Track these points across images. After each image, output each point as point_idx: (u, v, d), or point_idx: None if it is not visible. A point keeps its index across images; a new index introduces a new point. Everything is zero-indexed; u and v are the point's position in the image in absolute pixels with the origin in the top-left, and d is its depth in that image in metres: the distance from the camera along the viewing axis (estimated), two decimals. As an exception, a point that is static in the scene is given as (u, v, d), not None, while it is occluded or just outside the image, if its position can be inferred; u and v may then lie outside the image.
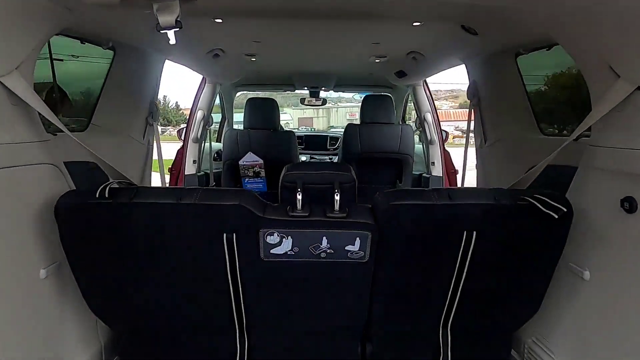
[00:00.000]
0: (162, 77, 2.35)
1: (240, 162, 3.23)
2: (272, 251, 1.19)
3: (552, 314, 1.42)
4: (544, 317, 1.44)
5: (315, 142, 4.77)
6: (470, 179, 2.52)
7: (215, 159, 3.81)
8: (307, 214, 1.16)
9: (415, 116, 3.83)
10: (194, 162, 3.51)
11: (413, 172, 3.50)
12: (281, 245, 1.18)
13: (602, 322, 1.26)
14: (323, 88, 4.30)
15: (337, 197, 1.16)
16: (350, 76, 3.82)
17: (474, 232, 1.19)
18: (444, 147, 3.57)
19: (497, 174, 2.21)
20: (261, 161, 3.27)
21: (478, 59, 2.16)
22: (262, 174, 3.32)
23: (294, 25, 2.06)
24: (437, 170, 3.52)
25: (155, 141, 2.36)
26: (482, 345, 1.43)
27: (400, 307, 1.35)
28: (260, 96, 4.25)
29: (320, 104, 4.73)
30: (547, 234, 1.22)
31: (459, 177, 3.64)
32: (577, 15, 1.11)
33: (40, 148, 1.21)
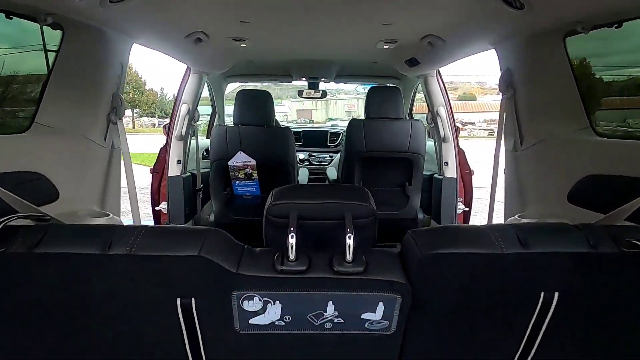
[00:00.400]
0: (128, 64, 1.94)
1: (230, 163, 2.84)
2: (251, 321, 0.79)
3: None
4: None
5: (314, 138, 4.38)
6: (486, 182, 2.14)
7: (204, 157, 3.43)
8: (304, 268, 0.76)
9: (427, 110, 3.44)
10: (179, 162, 3.12)
11: (423, 173, 3.11)
12: (265, 312, 0.79)
13: None
14: (323, 79, 3.88)
15: (349, 242, 0.76)
16: (353, 65, 3.40)
17: (556, 294, 0.80)
18: (458, 145, 3.17)
19: (535, 185, 1.82)
20: (253, 162, 2.88)
21: (514, 41, 1.76)
22: (255, 175, 2.94)
23: (289, 2, 1.67)
24: (451, 171, 3.14)
25: (122, 143, 1.95)
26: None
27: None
28: (252, 88, 3.84)
29: (319, 96, 4.32)
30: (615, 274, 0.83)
31: (474, 177, 3.27)
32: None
33: None
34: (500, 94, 1.91)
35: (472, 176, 3.23)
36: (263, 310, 0.79)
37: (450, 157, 3.12)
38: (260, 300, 0.78)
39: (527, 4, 1.36)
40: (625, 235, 0.82)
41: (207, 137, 3.95)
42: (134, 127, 43.73)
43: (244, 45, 2.52)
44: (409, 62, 2.82)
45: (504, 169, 2.08)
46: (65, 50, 1.59)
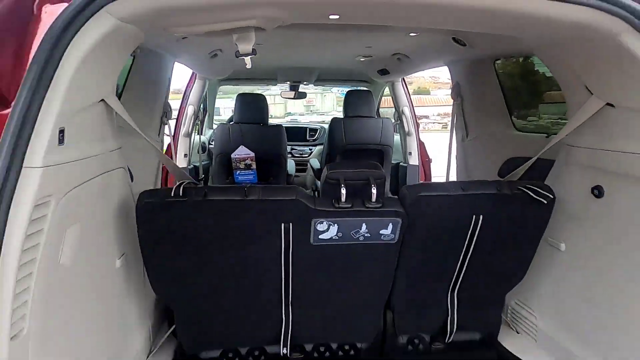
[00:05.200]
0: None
1: (233, 155, 3.40)
2: (320, 237, 1.43)
3: (533, 280, 1.76)
4: (525, 283, 1.78)
5: (295, 133, 4.97)
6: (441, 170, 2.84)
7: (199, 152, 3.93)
8: (350, 205, 1.40)
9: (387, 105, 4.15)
10: (185, 155, 3.63)
11: (392, 161, 3.82)
12: (328, 231, 1.42)
13: (574, 282, 1.61)
14: (304, 82, 4.49)
15: (373, 191, 1.41)
16: (332, 72, 4.04)
17: (481, 216, 1.49)
18: (419, 138, 3.90)
19: (477, 165, 2.55)
20: (252, 154, 3.45)
21: (461, 63, 2.47)
22: (253, 166, 3.50)
23: (296, 32, 2.25)
24: (414, 160, 3.85)
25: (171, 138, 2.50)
26: (479, 307, 1.75)
27: (419, 280, 1.64)
28: (246, 91, 4.37)
29: (294, 97, 4.90)
30: (535, 216, 1.54)
31: (432, 165, 4.02)
32: (559, 45, 1.42)
33: (118, 154, 1.36)
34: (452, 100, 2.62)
35: (431, 163, 3.97)
36: (327, 230, 1.41)
37: (413, 148, 3.84)
38: (326, 223, 1.40)
39: (468, 43, 2.05)
40: (516, 185, 1.53)
41: (197, 134, 4.45)
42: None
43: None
44: (381, 71, 3.50)
45: (455, 155, 2.80)
46: (134, 70, 2.12)
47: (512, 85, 2.44)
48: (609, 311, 1.45)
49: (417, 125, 3.88)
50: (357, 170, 1.47)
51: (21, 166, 0.85)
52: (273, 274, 1.50)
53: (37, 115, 0.87)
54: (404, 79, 3.79)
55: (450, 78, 2.70)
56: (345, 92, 4.05)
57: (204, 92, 3.75)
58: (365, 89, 4.02)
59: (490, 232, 1.53)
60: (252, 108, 3.52)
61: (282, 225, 1.39)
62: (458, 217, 1.50)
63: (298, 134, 5.01)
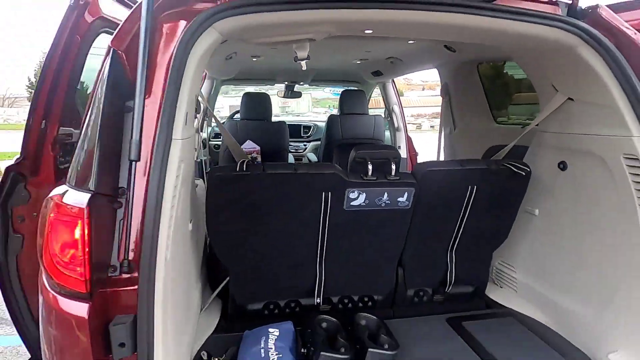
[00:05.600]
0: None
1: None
2: (351, 203, 1.80)
3: (513, 241, 2.19)
4: (507, 245, 2.21)
5: (291, 131, 5.33)
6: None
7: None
8: (375, 178, 1.78)
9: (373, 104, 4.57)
10: (195, 149, 3.93)
11: None
12: (358, 199, 1.80)
13: (546, 240, 2.04)
14: (301, 83, 4.85)
15: (393, 167, 1.80)
16: (327, 73, 4.43)
17: (475, 187, 1.90)
18: (407, 133, 4.33)
19: (463, 153, 2.98)
20: (258, 148, 3.78)
21: (449, 66, 2.90)
22: (259, 159, 3.84)
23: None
24: (403, 153, 4.28)
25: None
26: (472, 264, 2.16)
27: (425, 241, 2.04)
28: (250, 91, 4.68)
29: (289, 96, 5.25)
30: (515, 187, 1.97)
31: (419, 158, 4.45)
32: (533, 54, 1.84)
33: (194, 137, 1.70)
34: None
35: (417, 157, 4.40)
36: (357, 197, 1.78)
37: (402, 142, 4.27)
38: (357, 192, 1.77)
39: (457, 49, 2.47)
40: (501, 162, 1.95)
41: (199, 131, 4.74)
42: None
43: (256, 59, 3.42)
44: (374, 73, 3.91)
45: (443, 146, 3.23)
46: None
47: (491, 86, 2.88)
48: (573, 259, 1.88)
49: (405, 122, 4.32)
50: (379, 151, 1.85)
51: (171, 138, 1.18)
52: (312, 235, 1.86)
53: (177, 102, 1.20)
54: (393, 80, 4.21)
55: (440, 82, 3.13)
56: (337, 92, 4.43)
57: (212, 91, 4.07)
58: (359, 89, 4.42)
59: (481, 200, 1.94)
60: (258, 106, 3.87)
61: (323, 193, 1.76)
62: (457, 188, 1.91)
63: (293, 131, 5.37)
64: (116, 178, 1.15)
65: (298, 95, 5.17)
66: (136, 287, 1.11)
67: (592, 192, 1.74)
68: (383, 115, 4.41)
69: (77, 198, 1.05)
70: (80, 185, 1.11)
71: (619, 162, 1.55)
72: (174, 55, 1.22)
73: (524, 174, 1.88)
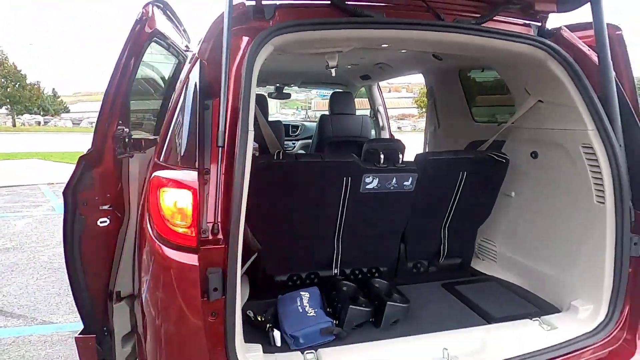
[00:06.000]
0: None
1: None
2: (366, 187, 2.17)
3: (493, 220, 2.62)
4: (488, 224, 2.64)
5: None
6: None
7: None
8: (386, 165, 2.15)
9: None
10: None
11: None
12: (372, 183, 2.16)
13: (521, 217, 2.48)
14: (291, 85, 5.19)
15: (400, 156, 2.18)
16: (318, 75, 4.79)
17: (465, 172, 2.31)
18: (391, 132, 4.76)
19: (447, 147, 3.41)
20: (257, 145, 4.09)
21: (434, 72, 3.32)
22: (256, 154, 4.15)
23: None
24: None
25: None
26: (460, 239, 2.58)
27: (423, 218, 2.43)
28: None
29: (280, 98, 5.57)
30: (496, 173, 2.39)
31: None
32: (510, 64, 2.27)
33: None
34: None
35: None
36: (371, 182, 2.14)
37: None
38: (371, 177, 2.13)
39: (443, 58, 2.88)
40: (485, 153, 2.37)
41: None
42: (14, 126, 38.68)
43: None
44: (363, 77, 4.30)
45: (427, 143, 3.66)
46: None
47: (470, 89, 3.33)
48: (543, 232, 2.32)
49: (389, 121, 4.74)
50: (388, 143, 2.23)
51: (248, 129, 1.50)
52: (333, 214, 2.21)
53: (250, 101, 1.52)
54: (378, 83, 4.62)
55: (425, 86, 3.55)
56: (323, 94, 4.79)
57: None
58: (347, 91, 4.81)
59: (469, 184, 2.36)
60: (257, 106, 4.17)
61: (344, 178, 2.11)
62: (451, 173, 2.31)
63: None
64: (206, 160, 1.45)
65: (287, 96, 5.50)
66: (222, 246, 1.42)
67: (558, 175, 2.18)
68: (369, 115, 4.81)
69: (187, 175, 1.35)
70: (184, 166, 1.41)
71: (578, 150, 1.99)
72: (244, 63, 1.54)
73: (504, 161, 2.31)
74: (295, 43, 1.71)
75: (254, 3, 1.67)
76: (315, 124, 5.13)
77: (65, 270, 2.02)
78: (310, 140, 5.28)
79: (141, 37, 1.91)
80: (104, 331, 2.17)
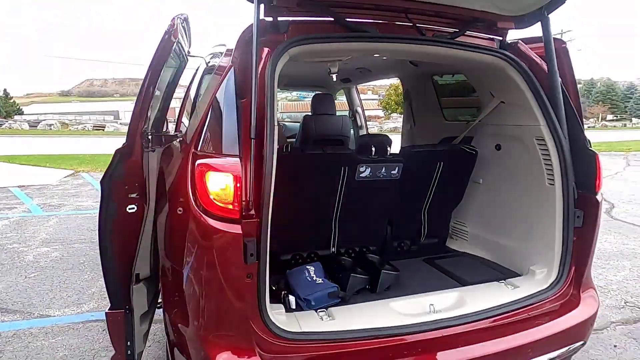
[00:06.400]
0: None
1: None
2: (360, 175, 2.53)
3: (464, 204, 3.05)
4: (461, 208, 3.07)
5: None
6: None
7: None
8: (377, 157, 2.52)
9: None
10: None
11: None
12: (365, 172, 2.53)
13: (487, 200, 2.92)
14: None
15: (389, 148, 2.55)
16: (300, 78, 5.12)
17: (442, 163, 2.72)
18: (368, 131, 5.17)
19: (421, 143, 3.84)
20: None
21: (410, 76, 3.74)
22: None
23: None
24: None
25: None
26: (437, 221, 2.99)
27: (407, 202, 2.82)
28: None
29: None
30: (467, 163, 2.82)
31: None
32: (477, 71, 2.70)
33: None
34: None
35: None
36: (365, 171, 2.50)
37: None
38: (365, 167, 2.49)
39: (418, 64, 3.30)
40: (458, 146, 2.79)
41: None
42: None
43: None
44: (343, 80, 4.68)
45: (403, 140, 4.08)
46: None
47: (442, 92, 3.77)
48: (506, 212, 2.77)
49: (366, 121, 5.15)
50: (379, 137, 2.60)
51: (274, 124, 1.81)
52: (332, 199, 2.56)
53: (274, 100, 1.83)
54: (356, 85, 5.02)
55: (402, 89, 3.96)
56: (302, 95, 5.13)
57: None
58: (328, 93, 5.17)
59: (445, 172, 2.77)
60: None
61: (342, 168, 2.47)
62: (430, 164, 2.72)
63: None
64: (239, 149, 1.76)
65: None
66: (255, 220, 1.73)
67: (517, 163, 2.63)
68: (348, 116, 5.20)
69: (230, 162, 1.67)
70: (226, 154, 1.72)
71: (533, 142, 2.43)
72: (267, 70, 1.85)
73: (474, 153, 2.74)
74: (306, 53, 2.05)
75: (271, 19, 1.99)
76: (295, 124, 5.45)
77: (99, 256, 2.26)
78: (293, 140, 5.61)
79: (168, 47, 2.19)
80: (126, 309, 2.42)
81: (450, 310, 2.11)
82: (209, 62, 3.18)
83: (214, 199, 1.66)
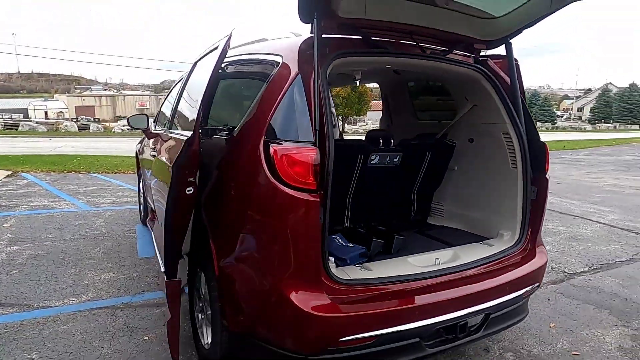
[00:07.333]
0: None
1: None
2: (371, 162, 3.13)
3: (442, 187, 3.78)
4: (439, 191, 3.79)
5: None
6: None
7: None
8: (384, 147, 3.14)
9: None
10: None
11: None
12: (375, 159, 3.13)
13: (461, 183, 3.67)
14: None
15: (392, 140, 3.18)
16: None
17: (430, 153, 3.40)
18: (340, 130, 5.78)
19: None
20: None
21: (389, 82, 4.42)
22: None
23: None
24: None
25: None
26: (423, 200, 3.68)
27: (403, 185, 3.47)
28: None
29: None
30: (447, 153, 3.54)
31: None
32: (454, 80, 3.42)
33: None
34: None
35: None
36: (375, 159, 3.10)
37: (337, 136, 5.70)
38: (375, 155, 3.09)
39: (401, 73, 3.98)
40: (441, 139, 3.51)
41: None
42: None
43: None
44: (324, 83, 5.26)
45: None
46: None
47: (415, 97, 4.49)
48: (477, 192, 3.52)
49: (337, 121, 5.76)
50: (383, 132, 3.22)
51: (330, 118, 2.33)
52: (348, 181, 3.13)
53: (328, 102, 2.36)
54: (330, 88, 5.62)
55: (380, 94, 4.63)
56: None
57: None
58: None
59: (431, 160, 3.46)
60: None
61: (358, 156, 3.05)
62: (422, 153, 3.39)
63: None
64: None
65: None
66: (321, 192, 2.24)
67: (487, 152, 3.39)
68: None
69: (306, 146, 2.17)
70: (302, 140, 2.21)
71: (500, 136, 3.19)
72: (321, 78, 2.38)
73: (453, 145, 3.47)
74: (343, 64, 2.60)
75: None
76: None
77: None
78: None
79: (223, 57, 2.62)
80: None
81: (450, 262, 2.78)
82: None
83: (297, 174, 2.16)
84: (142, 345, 3.35)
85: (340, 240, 2.88)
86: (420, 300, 2.45)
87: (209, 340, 2.86)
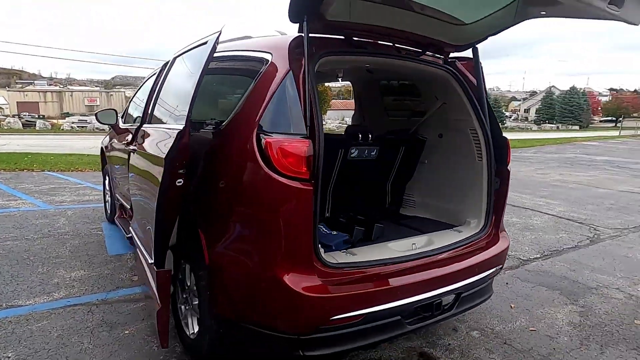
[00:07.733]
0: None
1: None
2: (351, 155, 3.31)
3: (413, 180, 4.04)
4: (410, 184, 4.04)
5: None
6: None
7: None
8: (363, 141, 3.33)
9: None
10: None
11: None
12: (354, 153, 3.32)
13: (431, 177, 3.94)
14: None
15: (370, 135, 3.38)
16: None
17: (403, 147, 3.64)
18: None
19: (370, 136, 4.76)
20: None
21: (362, 81, 4.64)
22: None
23: None
24: None
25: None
26: (396, 192, 3.92)
27: (379, 177, 3.68)
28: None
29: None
30: (418, 147, 3.80)
31: None
32: (425, 79, 3.68)
33: None
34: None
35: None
36: (354, 152, 3.27)
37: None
38: (354, 149, 3.27)
39: (373, 71, 4.20)
40: (413, 134, 3.76)
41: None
42: None
43: None
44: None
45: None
46: None
47: (386, 95, 4.73)
48: (445, 183, 3.79)
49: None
50: (362, 127, 3.41)
51: (319, 114, 2.48)
52: (330, 173, 3.30)
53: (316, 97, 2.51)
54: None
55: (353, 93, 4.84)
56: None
57: None
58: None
59: (405, 154, 3.70)
60: None
61: (339, 149, 3.22)
62: (396, 147, 3.62)
63: None
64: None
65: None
66: (313, 181, 2.40)
67: (455, 146, 3.67)
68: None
69: (299, 138, 2.31)
70: (295, 133, 2.35)
71: (467, 131, 3.47)
72: (310, 74, 2.53)
73: (424, 140, 3.72)
74: (327, 62, 2.76)
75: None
76: None
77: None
78: None
79: (213, 54, 2.70)
80: (166, 270, 2.86)
81: (425, 247, 3.02)
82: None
83: (292, 164, 2.30)
84: (124, 339, 3.35)
85: (324, 228, 3.04)
86: (400, 281, 2.66)
87: (195, 330, 2.93)
